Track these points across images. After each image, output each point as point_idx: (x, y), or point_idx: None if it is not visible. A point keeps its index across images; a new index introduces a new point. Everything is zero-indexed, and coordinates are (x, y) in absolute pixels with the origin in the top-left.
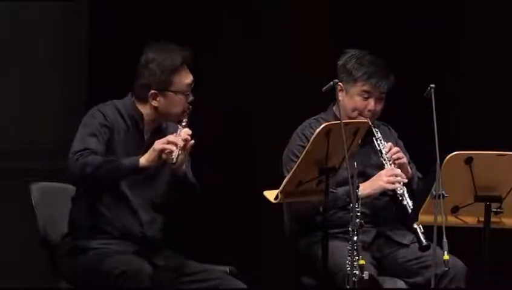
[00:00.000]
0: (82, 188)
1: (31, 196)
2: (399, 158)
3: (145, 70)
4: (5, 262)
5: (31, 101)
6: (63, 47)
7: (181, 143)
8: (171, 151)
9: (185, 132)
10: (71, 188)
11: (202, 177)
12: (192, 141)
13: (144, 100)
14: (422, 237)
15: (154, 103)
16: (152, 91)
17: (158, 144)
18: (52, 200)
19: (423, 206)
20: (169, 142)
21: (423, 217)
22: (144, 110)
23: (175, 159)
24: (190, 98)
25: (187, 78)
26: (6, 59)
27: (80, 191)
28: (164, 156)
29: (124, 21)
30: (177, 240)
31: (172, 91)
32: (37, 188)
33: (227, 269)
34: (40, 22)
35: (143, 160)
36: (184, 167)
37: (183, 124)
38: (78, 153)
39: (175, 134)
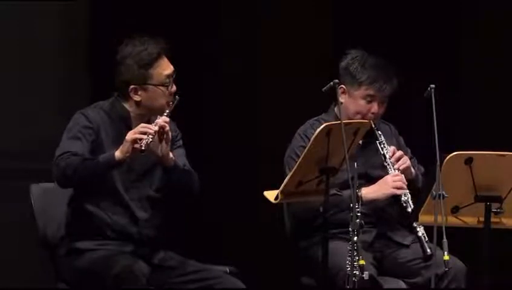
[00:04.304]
0: (64, 188)
1: (31, 196)
2: (403, 163)
3: (122, 66)
4: (5, 262)
5: (31, 101)
6: (63, 47)
7: (152, 130)
8: (142, 140)
9: (162, 120)
10: (70, 189)
11: (203, 177)
12: (168, 128)
13: (126, 97)
14: (426, 245)
15: (136, 98)
16: (132, 86)
17: (130, 134)
18: (52, 201)
19: (424, 206)
20: (140, 132)
21: (423, 217)
22: (129, 106)
23: (143, 147)
24: (173, 88)
25: (166, 70)
26: (6, 59)
27: (74, 195)
28: (136, 145)
29: (124, 21)
30: (175, 238)
31: (151, 84)
32: (37, 188)
33: (227, 269)
34: (40, 22)
35: (118, 153)
36: (171, 156)
37: (165, 114)
38: (59, 158)
39: (153, 123)
